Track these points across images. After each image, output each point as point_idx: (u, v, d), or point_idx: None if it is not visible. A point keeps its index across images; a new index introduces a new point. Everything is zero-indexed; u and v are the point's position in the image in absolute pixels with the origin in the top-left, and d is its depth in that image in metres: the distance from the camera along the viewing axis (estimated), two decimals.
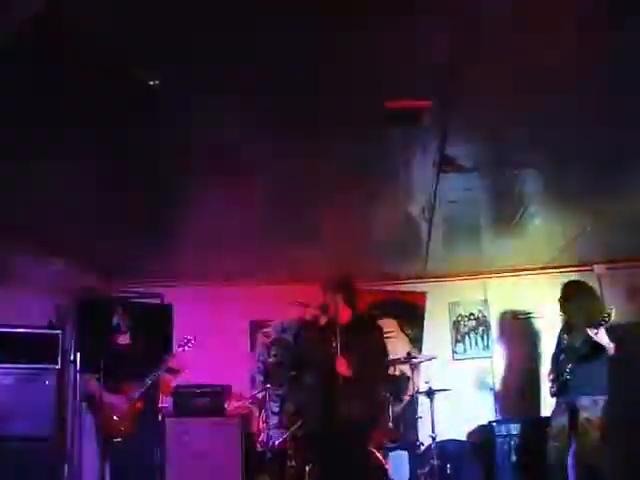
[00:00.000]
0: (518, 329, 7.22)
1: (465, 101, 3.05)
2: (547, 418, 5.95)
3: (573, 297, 5.71)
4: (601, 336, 5.20)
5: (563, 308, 5.81)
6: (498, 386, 7.12)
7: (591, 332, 5.19)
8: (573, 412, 5.41)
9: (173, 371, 5.84)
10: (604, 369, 5.38)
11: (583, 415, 5.31)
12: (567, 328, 5.73)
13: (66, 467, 5.49)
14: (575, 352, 5.40)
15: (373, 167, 4.00)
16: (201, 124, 3.25)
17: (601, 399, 5.32)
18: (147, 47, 2.47)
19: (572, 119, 3.34)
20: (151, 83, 2.59)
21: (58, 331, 5.40)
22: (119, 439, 5.23)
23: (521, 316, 7.23)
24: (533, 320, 7.20)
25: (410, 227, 5.30)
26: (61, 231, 5.17)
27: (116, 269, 6.87)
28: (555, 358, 5.76)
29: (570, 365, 5.38)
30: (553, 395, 5.67)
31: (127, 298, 6.75)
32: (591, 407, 5.29)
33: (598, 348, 5.28)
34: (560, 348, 5.73)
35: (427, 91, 2.96)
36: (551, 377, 5.72)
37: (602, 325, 5.15)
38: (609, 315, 5.15)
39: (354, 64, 2.68)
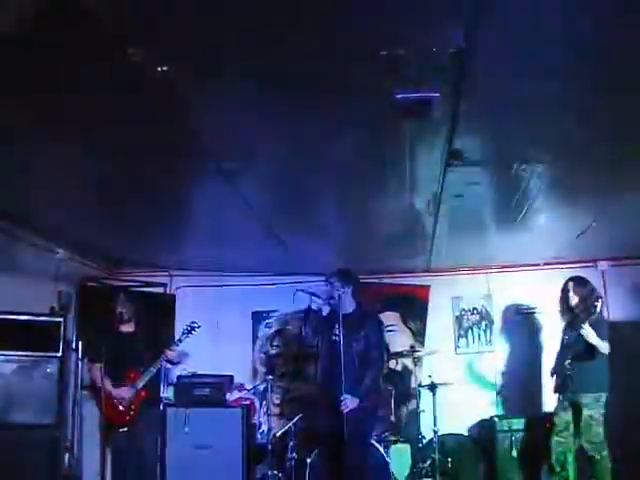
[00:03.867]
0: (521, 324, 7.21)
1: (474, 94, 3.02)
2: (548, 414, 5.94)
3: (570, 294, 5.71)
4: (588, 334, 5.22)
5: (561, 305, 5.83)
6: (500, 381, 7.11)
7: (580, 331, 5.26)
8: (576, 409, 5.41)
9: (173, 362, 5.82)
10: (604, 366, 5.38)
11: (586, 412, 5.31)
12: (567, 325, 5.73)
13: (67, 455, 5.50)
14: (572, 349, 5.40)
15: (378, 160, 3.97)
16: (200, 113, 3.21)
17: (602, 396, 5.33)
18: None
19: (576, 115, 3.30)
20: (159, 69, 2.54)
21: (60, 319, 5.37)
22: (124, 429, 5.24)
23: (524, 311, 7.22)
24: (536, 315, 7.18)
25: (415, 221, 5.27)
26: (64, 220, 5.15)
27: (119, 257, 6.87)
28: (557, 354, 5.77)
29: (569, 362, 5.37)
30: (555, 391, 5.67)
31: (130, 286, 6.74)
32: (593, 404, 5.31)
33: (593, 345, 5.29)
34: (561, 344, 5.74)
35: (435, 83, 2.92)
36: (552, 373, 5.72)
37: (584, 325, 5.21)
38: (589, 314, 5.24)
39: (357, 53, 2.63)
